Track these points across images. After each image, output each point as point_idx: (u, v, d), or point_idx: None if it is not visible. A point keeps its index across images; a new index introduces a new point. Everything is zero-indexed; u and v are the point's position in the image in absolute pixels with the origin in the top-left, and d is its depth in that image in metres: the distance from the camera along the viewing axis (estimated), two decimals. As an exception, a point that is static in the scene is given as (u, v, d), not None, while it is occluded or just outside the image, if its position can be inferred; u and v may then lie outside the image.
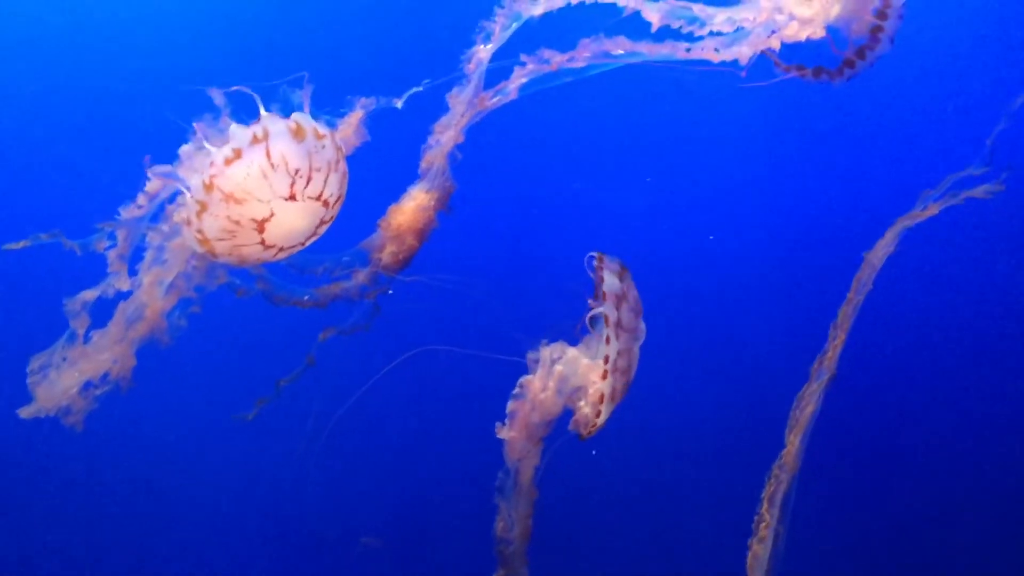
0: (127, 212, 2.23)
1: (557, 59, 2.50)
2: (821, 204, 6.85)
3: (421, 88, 2.48)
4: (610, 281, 2.31)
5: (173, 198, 2.28)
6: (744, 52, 2.22)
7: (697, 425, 6.60)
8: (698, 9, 2.17)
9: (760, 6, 2.17)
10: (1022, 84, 6.18)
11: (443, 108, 2.65)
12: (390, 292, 2.84)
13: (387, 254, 2.76)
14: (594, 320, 2.40)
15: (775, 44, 2.18)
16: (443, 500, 6.41)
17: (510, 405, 2.47)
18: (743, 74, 2.19)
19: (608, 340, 2.24)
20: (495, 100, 2.65)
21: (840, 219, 6.54)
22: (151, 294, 2.29)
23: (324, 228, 2.44)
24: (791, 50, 2.28)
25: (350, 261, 2.85)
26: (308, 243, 2.44)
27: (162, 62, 5.93)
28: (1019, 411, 6.35)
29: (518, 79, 2.57)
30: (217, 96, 2.15)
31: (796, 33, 2.14)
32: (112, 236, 2.25)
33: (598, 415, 2.30)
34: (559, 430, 2.46)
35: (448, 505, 6.31)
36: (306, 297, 2.76)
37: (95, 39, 6.10)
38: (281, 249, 2.36)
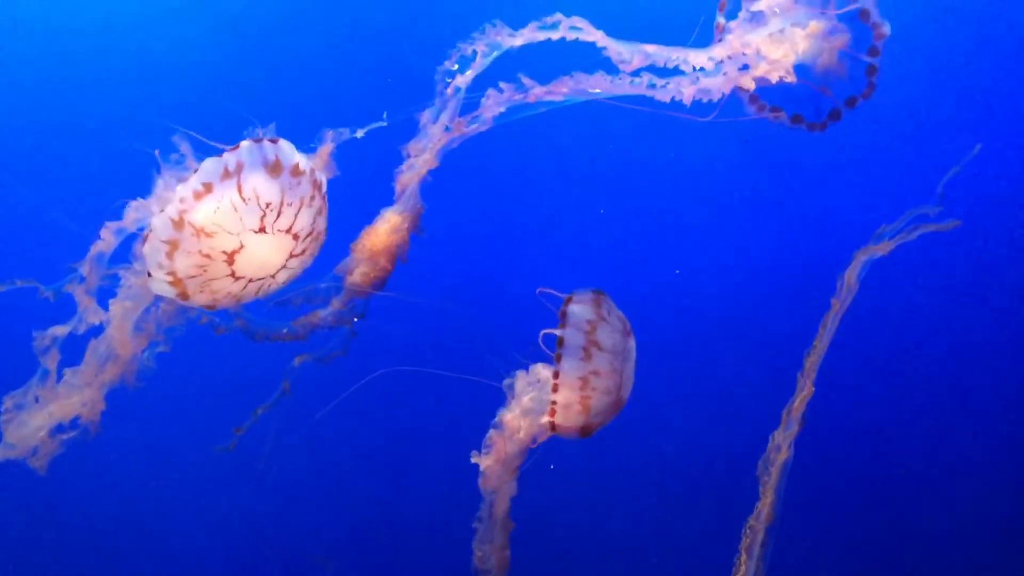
0: (95, 248, 2.22)
1: (536, 91, 2.52)
2: (792, 239, 6.87)
3: (384, 123, 2.48)
4: (578, 310, 2.36)
5: (140, 231, 2.27)
6: (715, 88, 2.24)
7: (675, 467, 6.59)
8: (677, 53, 2.19)
9: (730, 44, 2.19)
10: (977, 130, 6.30)
11: (413, 133, 2.66)
12: (356, 320, 2.84)
13: (360, 275, 2.76)
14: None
15: (748, 83, 2.20)
16: (421, 524, 6.38)
17: (489, 435, 2.47)
18: (712, 116, 2.21)
19: (558, 358, 2.31)
20: (472, 127, 2.65)
21: (807, 258, 6.58)
22: (121, 329, 2.27)
23: (299, 262, 2.43)
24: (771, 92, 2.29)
25: (326, 289, 2.84)
26: (279, 275, 2.42)
27: (130, 92, 5.86)
28: (993, 449, 6.40)
29: (495, 106, 2.58)
30: (183, 145, 2.15)
31: (767, 73, 2.16)
32: (83, 278, 2.23)
33: (553, 414, 2.35)
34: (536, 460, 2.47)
35: (426, 530, 6.28)
36: (285, 331, 2.76)
37: (63, 65, 6.02)
38: (251, 281, 2.35)
